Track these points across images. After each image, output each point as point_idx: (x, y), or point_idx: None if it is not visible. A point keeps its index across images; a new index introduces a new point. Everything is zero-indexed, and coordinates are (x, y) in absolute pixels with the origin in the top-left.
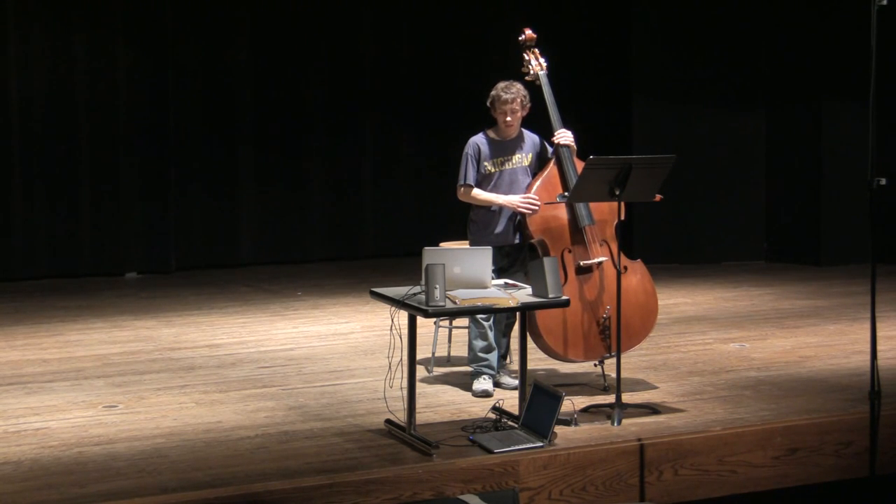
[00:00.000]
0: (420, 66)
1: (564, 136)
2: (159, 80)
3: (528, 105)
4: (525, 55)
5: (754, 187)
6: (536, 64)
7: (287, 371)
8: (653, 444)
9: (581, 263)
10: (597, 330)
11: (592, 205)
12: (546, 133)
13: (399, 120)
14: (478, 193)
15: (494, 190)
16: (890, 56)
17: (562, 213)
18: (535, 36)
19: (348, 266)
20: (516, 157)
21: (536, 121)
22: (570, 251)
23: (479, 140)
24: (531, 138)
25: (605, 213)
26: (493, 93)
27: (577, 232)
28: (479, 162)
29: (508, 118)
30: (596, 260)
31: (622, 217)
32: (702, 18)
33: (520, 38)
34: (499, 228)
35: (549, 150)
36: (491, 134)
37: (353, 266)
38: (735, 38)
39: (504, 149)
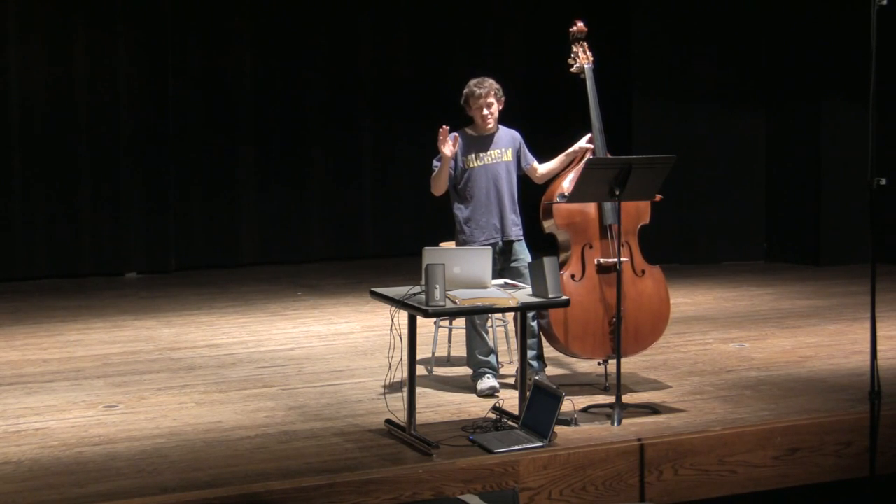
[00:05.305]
0: (419, 66)
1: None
2: (159, 80)
3: (503, 98)
4: (574, 47)
5: (754, 187)
6: (584, 56)
7: (287, 371)
8: (653, 444)
9: (601, 262)
10: (608, 330)
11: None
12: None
13: (399, 120)
14: (435, 173)
15: (472, 187)
16: (890, 56)
17: (590, 208)
18: (585, 29)
19: (348, 266)
20: (494, 153)
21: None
22: (590, 247)
23: (454, 134)
24: (510, 134)
25: (631, 214)
26: (465, 90)
27: (601, 229)
28: (455, 157)
29: (485, 112)
30: (615, 260)
31: (645, 220)
32: (702, 18)
33: (570, 30)
34: (487, 225)
35: (528, 157)
36: (468, 130)
37: (353, 266)
38: (735, 37)
39: (480, 144)
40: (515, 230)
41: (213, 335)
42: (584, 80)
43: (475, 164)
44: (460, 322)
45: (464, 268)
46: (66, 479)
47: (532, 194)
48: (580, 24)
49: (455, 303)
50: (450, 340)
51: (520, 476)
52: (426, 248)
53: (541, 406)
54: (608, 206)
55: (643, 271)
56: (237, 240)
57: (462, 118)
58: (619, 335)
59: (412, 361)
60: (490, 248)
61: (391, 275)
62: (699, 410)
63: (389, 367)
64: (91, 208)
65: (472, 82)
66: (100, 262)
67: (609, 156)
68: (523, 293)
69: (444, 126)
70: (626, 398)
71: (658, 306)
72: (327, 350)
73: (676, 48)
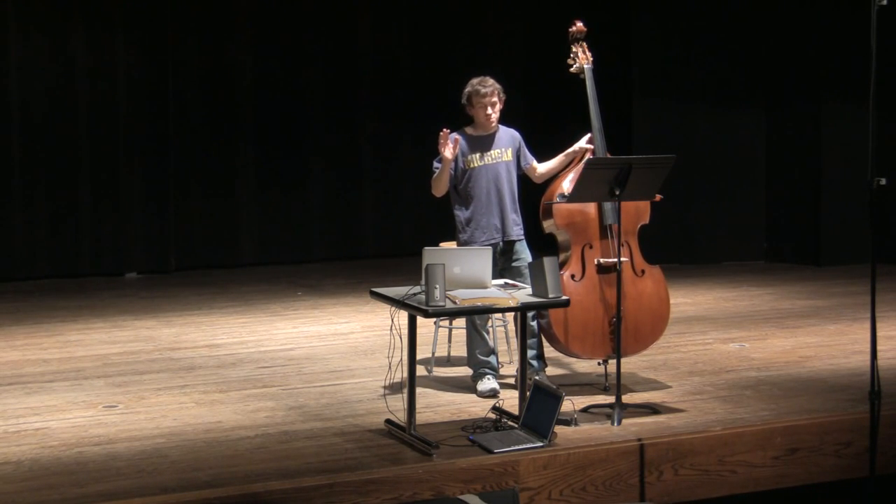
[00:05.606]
0: (420, 66)
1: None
2: (159, 80)
3: (504, 97)
4: (573, 47)
5: (754, 187)
6: (583, 56)
7: (287, 371)
8: (653, 444)
9: (601, 262)
10: (608, 330)
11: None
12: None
13: (399, 120)
14: (436, 175)
15: (473, 187)
16: (890, 56)
17: (590, 208)
18: (585, 29)
19: (348, 266)
20: (495, 153)
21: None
22: (590, 247)
23: (455, 136)
24: (510, 133)
25: (631, 214)
26: (467, 89)
27: (601, 229)
28: (455, 158)
29: (489, 111)
30: (615, 260)
31: (645, 220)
32: (702, 18)
33: (570, 30)
34: (487, 226)
35: (528, 156)
36: (468, 130)
37: (353, 266)
38: (735, 37)
39: (480, 144)
40: (516, 230)
41: (213, 335)
42: (583, 80)
43: (476, 164)
44: (460, 322)
45: (464, 268)
46: (66, 479)
47: (532, 194)
48: (579, 24)
49: (455, 303)
50: (450, 340)
51: (520, 476)
52: (426, 248)
53: (541, 406)
54: (608, 206)
55: (643, 271)
56: (237, 240)
57: (462, 118)
58: (619, 335)
59: (412, 361)
60: (490, 248)
61: (391, 275)
62: (699, 410)
63: (389, 367)
64: (91, 208)
65: (475, 81)
66: (100, 262)
67: (609, 156)
68: (523, 293)
69: (445, 129)
70: (626, 398)
71: (658, 306)
72: (327, 350)
73: (676, 48)
